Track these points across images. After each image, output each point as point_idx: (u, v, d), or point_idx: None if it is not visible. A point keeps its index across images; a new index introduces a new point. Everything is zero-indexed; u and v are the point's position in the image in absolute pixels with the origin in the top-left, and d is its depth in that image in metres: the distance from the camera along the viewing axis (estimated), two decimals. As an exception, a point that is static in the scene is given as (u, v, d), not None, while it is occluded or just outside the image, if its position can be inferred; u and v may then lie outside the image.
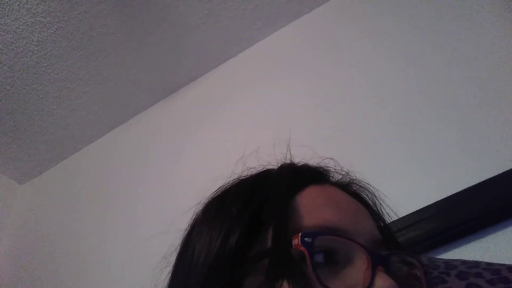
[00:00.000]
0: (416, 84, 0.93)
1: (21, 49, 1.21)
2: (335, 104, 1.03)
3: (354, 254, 0.34)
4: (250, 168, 0.46)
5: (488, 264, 0.51)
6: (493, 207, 0.68)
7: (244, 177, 0.44)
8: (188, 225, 0.43)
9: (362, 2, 1.15)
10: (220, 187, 0.44)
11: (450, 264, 0.52)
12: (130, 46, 1.26)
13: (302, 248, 0.32)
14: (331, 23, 1.17)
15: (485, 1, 0.93)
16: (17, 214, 1.49)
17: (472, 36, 0.91)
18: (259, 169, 0.45)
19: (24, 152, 1.47)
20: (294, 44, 1.23)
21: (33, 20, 1.16)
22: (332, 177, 0.46)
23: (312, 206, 0.37)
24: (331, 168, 0.46)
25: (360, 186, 0.46)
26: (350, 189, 0.45)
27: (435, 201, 0.74)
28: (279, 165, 0.44)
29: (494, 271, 0.49)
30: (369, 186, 0.46)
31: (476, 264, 0.52)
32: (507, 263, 0.52)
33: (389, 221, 0.46)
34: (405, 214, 0.72)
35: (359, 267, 0.34)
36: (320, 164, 0.46)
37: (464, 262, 0.53)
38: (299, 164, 0.44)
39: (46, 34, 1.19)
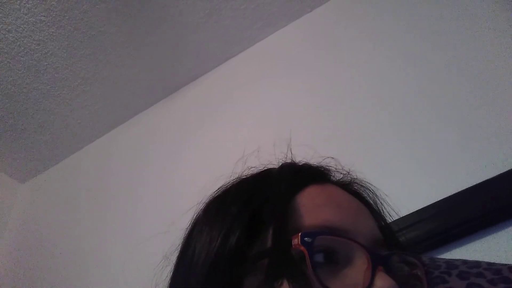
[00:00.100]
0: (416, 84, 0.93)
1: (22, 48, 1.21)
2: (336, 104, 1.03)
3: (354, 254, 0.34)
4: (251, 168, 0.46)
5: (489, 264, 0.51)
6: (494, 207, 0.68)
7: (244, 177, 0.44)
8: (189, 224, 0.43)
9: (363, 2, 1.15)
10: (221, 186, 0.44)
11: (451, 264, 0.52)
12: (131, 46, 1.26)
13: (302, 248, 0.32)
14: (331, 23, 1.17)
15: (485, 1, 0.93)
16: (18, 213, 1.49)
17: (472, 36, 0.91)
18: (259, 168, 0.45)
19: (25, 151, 1.47)
20: (294, 43, 1.23)
21: (33, 20, 1.16)
22: (333, 176, 0.46)
23: (312, 206, 0.37)
24: (332, 168, 0.46)
25: (361, 185, 0.45)
26: (351, 189, 0.45)
27: (436, 201, 0.74)
28: (280, 164, 0.44)
29: (495, 271, 0.49)
30: (370, 185, 0.46)
31: (477, 264, 0.52)
32: (508, 263, 0.52)
33: (390, 221, 0.46)
34: (406, 214, 0.72)
35: (359, 267, 0.34)
36: (321, 163, 0.46)
37: (465, 262, 0.53)
38: (300, 164, 0.44)
39: (46, 33, 1.19)
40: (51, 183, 1.50)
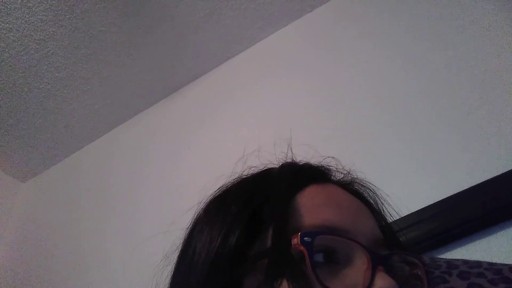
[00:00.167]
0: (416, 84, 0.93)
1: (23, 47, 1.21)
2: (336, 104, 1.03)
3: (354, 253, 0.34)
4: (251, 167, 0.46)
5: (490, 264, 0.51)
6: (494, 207, 0.68)
7: (245, 176, 0.44)
8: (190, 224, 0.43)
9: (363, 2, 1.15)
10: (221, 186, 0.44)
11: (451, 264, 0.52)
12: (131, 45, 1.26)
13: (302, 248, 0.32)
14: (332, 23, 1.17)
15: (485, 1, 0.93)
16: (19, 212, 1.49)
17: (472, 36, 0.91)
18: (260, 168, 0.45)
19: (26, 151, 1.47)
20: (295, 43, 1.23)
21: (34, 19, 1.16)
22: (334, 176, 0.46)
23: (312, 206, 0.37)
24: (332, 167, 0.46)
25: (362, 185, 0.45)
26: (352, 188, 0.45)
27: (436, 201, 0.74)
28: (280, 164, 0.44)
29: (496, 271, 0.49)
30: (370, 185, 0.46)
31: (478, 264, 0.52)
32: (508, 263, 0.51)
33: (390, 221, 0.45)
34: (406, 214, 0.72)
35: (359, 267, 0.34)
36: (322, 163, 0.46)
37: (465, 262, 0.53)
38: (300, 163, 0.44)
39: (47, 33, 1.19)
40: (51, 183, 1.51)
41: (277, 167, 0.44)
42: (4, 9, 1.13)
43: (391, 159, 0.86)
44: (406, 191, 0.76)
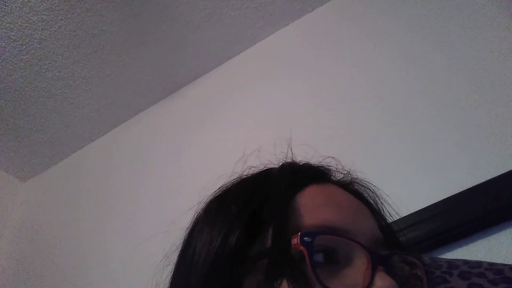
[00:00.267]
0: (416, 83, 0.93)
1: (24, 46, 1.21)
2: (336, 104, 1.03)
3: (354, 253, 0.34)
4: (251, 167, 0.46)
5: (491, 264, 0.51)
6: (495, 207, 0.68)
7: (245, 176, 0.44)
8: (190, 224, 0.43)
9: (364, 2, 1.15)
10: (221, 186, 0.44)
11: (452, 264, 0.52)
12: (132, 45, 1.26)
13: (302, 248, 0.32)
14: (333, 23, 1.17)
15: (486, 1, 0.93)
16: (19, 212, 1.49)
17: (473, 36, 0.91)
18: (260, 168, 0.45)
19: (26, 150, 1.47)
20: (296, 43, 1.23)
21: (35, 18, 1.16)
22: (334, 176, 0.46)
23: (312, 206, 0.37)
24: (332, 167, 0.46)
25: (362, 185, 0.45)
26: (352, 188, 0.45)
27: (437, 201, 0.74)
28: (280, 164, 0.44)
29: (497, 271, 0.49)
30: (370, 185, 0.46)
31: (478, 264, 0.52)
32: (509, 263, 0.51)
33: (390, 221, 0.45)
34: (407, 214, 0.72)
35: (359, 267, 0.34)
36: (322, 163, 0.46)
37: (466, 262, 0.53)
38: (300, 163, 0.44)
39: (48, 32, 1.19)
40: (52, 182, 1.51)
41: (277, 167, 0.44)
42: (5, 8, 1.13)
43: (391, 159, 0.86)
44: (406, 191, 0.76)
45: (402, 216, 0.60)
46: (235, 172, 0.45)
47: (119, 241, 1.16)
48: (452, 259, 0.55)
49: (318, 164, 0.45)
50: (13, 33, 1.18)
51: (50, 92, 1.32)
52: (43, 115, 1.38)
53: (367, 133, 0.93)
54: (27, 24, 1.17)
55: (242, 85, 1.24)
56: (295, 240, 0.33)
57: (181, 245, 0.42)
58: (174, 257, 0.42)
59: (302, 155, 0.48)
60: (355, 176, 0.46)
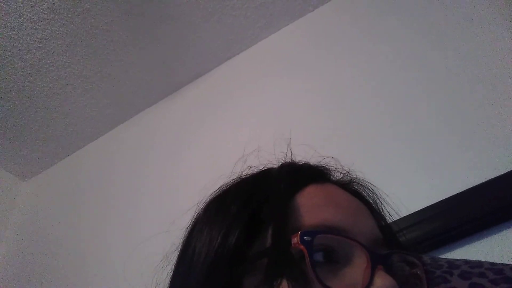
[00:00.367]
0: (417, 83, 0.93)
1: (25, 46, 1.21)
2: (336, 103, 1.03)
3: (353, 253, 0.34)
4: (251, 167, 0.46)
5: (492, 264, 0.51)
6: (496, 207, 0.68)
7: (244, 176, 0.44)
8: (189, 224, 0.43)
9: (365, 1, 1.14)
10: (221, 186, 0.44)
11: (453, 264, 0.52)
12: (133, 44, 1.26)
13: (302, 247, 0.32)
14: (333, 22, 1.17)
15: (486, 1, 0.93)
16: (20, 211, 1.49)
17: (473, 35, 0.91)
18: (259, 168, 0.45)
19: (27, 149, 1.48)
20: (296, 43, 1.22)
21: (36, 17, 1.16)
22: (333, 176, 0.46)
23: (311, 205, 0.37)
24: (331, 167, 0.46)
25: (361, 185, 0.45)
26: (351, 188, 0.45)
27: (437, 201, 0.73)
28: (280, 164, 0.44)
29: (497, 271, 0.49)
30: (370, 185, 0.46)
31: (479, 264, 0.52)
32: (510, 263, 0.51)
33: (390, 220, 0.45)
34: (406, 214, 0.72)
35: (358, 266, 0.34)
36: (321, 163, 0.46)
37: (467, 261, 0.53)
38: (299, 163, 0.44)
39: (49, 31, 1.19)
40: (52, 181, 1.51)
41: (276, 167, 0.44)
42: (6, 7, 1.13)
43: (391, 159, 0.86)
44: (406, 191, 0.76)
45: (402, 216, 0.61)
46: (235, 172, 0.45)
47: (119, 240, 1.16)
48: (452, 259, 0.55)
49: (318, 164, 0.45)
50: (14, 32, 1.18)
51: (50, 91, 1.33)
52: (44, 114, 1.38)
53: (366, 133, 0.93)
54: (28, 24, 1.17)
55: (242, 85, 1.24)
56: (295, 240, 0.33)
57: (180, 245, 0.42)
58: (173, 257, 0.42)
59: (302, 155, 0.48)
60: (355, 176, 0.46)
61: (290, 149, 0.49)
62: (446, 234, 0.70)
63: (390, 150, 0.87)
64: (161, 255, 0.45)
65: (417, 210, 0.73)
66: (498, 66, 0.85)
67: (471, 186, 0.72)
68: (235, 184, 0.43)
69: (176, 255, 0.42)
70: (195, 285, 0.35)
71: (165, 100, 1.41)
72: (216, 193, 0.44)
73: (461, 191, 0.73)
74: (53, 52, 1.24)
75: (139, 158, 1.31)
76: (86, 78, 1.32)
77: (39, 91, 1.32)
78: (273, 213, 0.36)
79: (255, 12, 1.22)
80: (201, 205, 0.44)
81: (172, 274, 0.41)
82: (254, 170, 0.45)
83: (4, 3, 1.12)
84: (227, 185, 0.44)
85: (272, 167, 0.45)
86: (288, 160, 0.46)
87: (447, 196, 0.73)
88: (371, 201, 0.44)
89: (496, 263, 0.52)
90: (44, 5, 1.13)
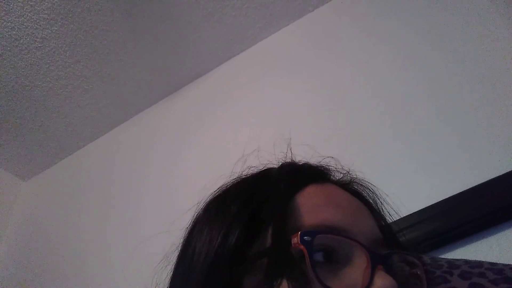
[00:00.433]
0: (417, 83, 0.93)
1: (25, 45, 1.21)
2: (336, 103, 1.03)
3: (353, 253, 0.34)
4: (251, 167, 0.46)
5: (492, 264, 0.51)
6: (496, 207, 0.68)
7: (244, 176, 0.44)
8: (189, 224, 0.43)
9: (365, 1, 1.14)
10: (221, 186, 0.44)
11: (453, 264, 0.52)
12: (133, 44, 1.26)
13: (302, 247, 0.32)
14: (333, 23, 1.17)
15: (486, 0, 0.93)
16: (20, 210, 1.49)
17: (473, 35, 0.91)
18: (259, 168, 0.45)
19: (28, 149, 1.48)
20: (296, 43, 1.22)
21: (37, 17, 1.16)
22: (333, 176, 0.46)
23: (311, 205, 0.37)
24: (331, 167, 0.46)
25: (361, 185, 0.45)
26: (351, 188, 0.45)
27: (437, 201, 0.73)
28: (280, 164, 0.44)
29: (497, 271, 0.49)
30: (370, 185, 0.46)
31: (479, 264, 0.52)
32: (510, 263, 0.51)
33: (390, 220, 0.45)
34: (406, 214, 0.72)
35: (358, 266, 0.34)
36: (321, 163, 0.46)
37: (467, 261, 0.53)
38: (299, 163, 0.44)
39: (49, 31, 1.19)
40: (52, 181, 1.51)
41: (276, 167, 0.44)
42: (6, 7, 1.13)
43: (391, 159, 0.86)
44: (406, 191, 0.76)
45: (402, 216, 0.61)
46: (235, 172, 0.45)
47: (119, 240, 1.16)
48: (452, 259, 0.55)
49: (318, 164, 0.45)
50: (14, 32, 1.18)
51: (50, 91, 1.33)
52: (44, 114, 1.38)
53: (366, 133, 0.93)
54: (28, 23, 1.17)
55: (242, 85, 1.24)
56: (295, 239, 0.33)
57: (180, 245, 0.42)
58: (173, 257, 0.42)
59: (302, 155, 0.48)
60: (355, 176, 0.46)
61: (290, 149, 0.48)
62: (446, 234, 0.70)
63: (390, 150, 0.87)
64: (161, 255, 0.45)
65: (417, 210, 0.73)
66: (498, 66, 0.85)
67: (471, 186, 0.72)
68: (235, 184, 0.43)
69: (176, 255, 0.42)
70: (195, 285, 0.35)
71: (165, 100, 1.41)
72: (216, 193, 0.44)
73: (461, 191, 0.73)
74: (53, 52, 1.24)
75: (139, 158, 1.31)
76: (86, 78, 1.31)
77: (39, 91, 1.32)
78: (273, 213, 0.36)
79: (255, 12, 1.22)
80: (201, 205, 0.44)
81: (172, 274, 0.41)
82: (254, 170, 0.45)
83: (4, 3, 1.12)
84: (227, 185, 0.44)
85: (272, 167, 0.45)
86: (288, 160, 0.46)
87: (447, 196, 0.73)
88: (371, 201, 0.44)
89: (496, 263, 0.52)
90: (44, 5, 1.13)
